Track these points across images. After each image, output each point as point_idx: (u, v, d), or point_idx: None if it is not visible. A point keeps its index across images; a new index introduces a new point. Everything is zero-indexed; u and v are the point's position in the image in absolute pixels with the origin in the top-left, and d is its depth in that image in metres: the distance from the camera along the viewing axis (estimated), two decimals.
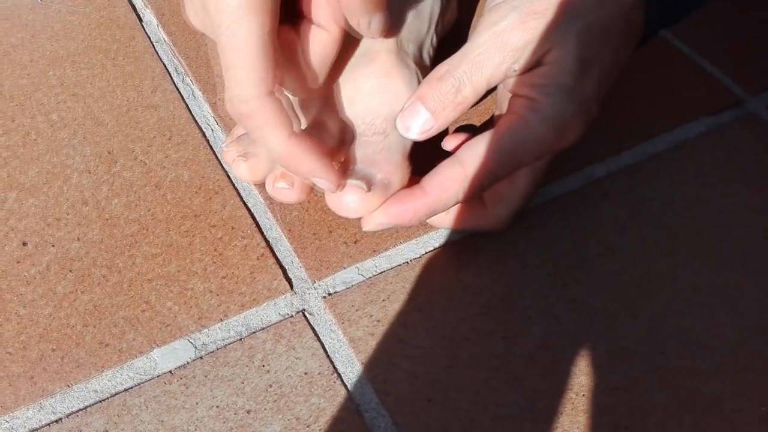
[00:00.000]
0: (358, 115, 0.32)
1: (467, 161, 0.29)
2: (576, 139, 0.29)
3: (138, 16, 0.43)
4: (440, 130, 0.30)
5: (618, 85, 0.42)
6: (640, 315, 0.31)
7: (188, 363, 0.28)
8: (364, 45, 0.32)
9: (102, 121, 0.37)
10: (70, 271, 0.31)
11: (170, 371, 0.28)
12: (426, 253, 0.33)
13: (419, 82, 0.32)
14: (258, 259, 0.32)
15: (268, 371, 0.28)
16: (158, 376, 0.28)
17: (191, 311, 0.30)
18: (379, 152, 0.30)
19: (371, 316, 0.30)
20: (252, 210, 0.34)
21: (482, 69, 0.29)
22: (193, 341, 0.29)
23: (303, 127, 0.32)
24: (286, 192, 0.30)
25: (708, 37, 0.47)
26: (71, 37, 0.42)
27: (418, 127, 0.30)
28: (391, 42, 0.32)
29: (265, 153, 0.31)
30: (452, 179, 0.29)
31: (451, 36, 0.40)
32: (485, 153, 0.29)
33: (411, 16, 0.33)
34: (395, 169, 0.30)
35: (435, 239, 0.34)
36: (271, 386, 0.28)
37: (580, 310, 0.31)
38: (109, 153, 0.36)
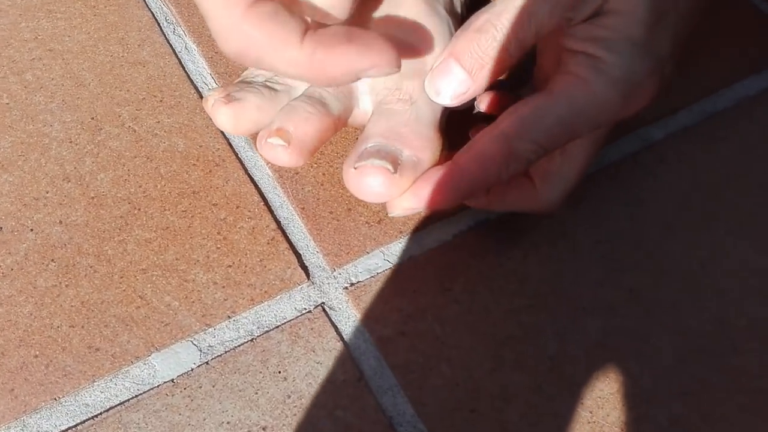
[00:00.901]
0: (378, 79, 0.27)
1: (511, 131, 0.24)
2: (647, 105, 0.25)
3: None
4: (478, 93, 0.25)
5: None
6: (707, 305, 0.27)
7: (192, 369, 0.25)
8: None
9: (83, 81, 0.32)
10: (53, 260, 0.27)
11: (172, 380, 0.24)
12: (461, 233, 0.29)
13: (452, 35, 0.27)
14: (268, 243, 0.28)
15: (285, 378, 0.24)
16: (158, 386, 0.24)
17: (194, 307, 0.26)
18: (406, 124, 0.26)
19: (401, 310, 0.26)
20: (259, 185, 0.30)
21: (530, 18, 0.24)
22: (197, 343, 0.25)
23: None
24: (281, 150, 0.25)
25: None
26: None
27: (452, 89, 0.25)
28: None
29: (252, 98, 0.26)
30: (492, 154, 0.24)
31: None
32: (535, 121, 0.24)
33: None
34: (425, 144, 0.25)
35: (470, 217, 0.29)
36: (289, 397, 0.24)
37: (640, 300, 0.27)
38: (93, 119, 0.31)
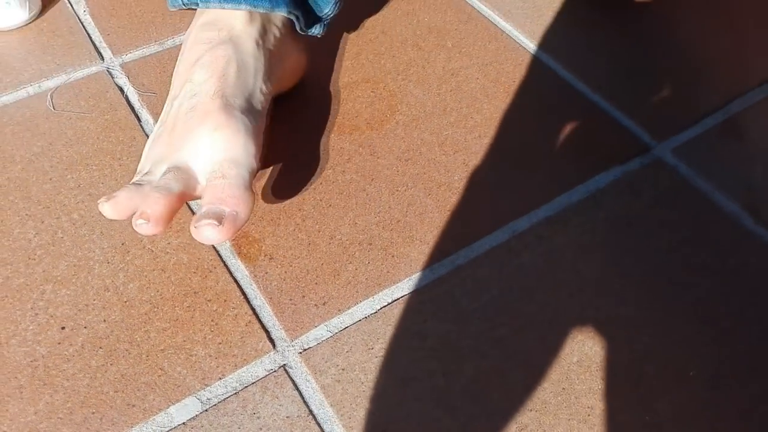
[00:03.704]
0: (205, 164, 0.40)
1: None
2: None
3: (137, 116, 0.52)
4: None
5: (540, 144, 0.50)
6: (551, 347, 0.39)
7: (197, 415, 0.37)
8: (198, 105, 0.41)
9: None
10: (100, 348, 0.39)
11: (183, 423, 0.36)
12: (381, 308, 0.41)
13: (245, 125, 0.41)
14: (246, 325, 0.40)
15: (258, 417, 0.37)
16: (175, 428, 0.36)
17: (196, 373, 0.38)
18: (223, 191, 0.39)
19: (338, 365, 0.39)
20: (240, 283, 0.42)
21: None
22: (199, 398, 0.37)
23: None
24: (144, 226, 0.37)
25: (621, 89, 0.54)
26: (82, 142, 0.50)
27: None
28: (218, 100, 0.41)
29: (123, 195, 0.39)
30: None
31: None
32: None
33: (234, 74, 0.42)
34: (240, 202, 0.39)
35: (388, 295, 0.42)
36: (260, 429, 0.36)
37: (504, 347, 0.39)
38: (123, 244, 0.44)
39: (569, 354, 0.39)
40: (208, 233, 0.38)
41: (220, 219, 0.38)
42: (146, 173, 0.41)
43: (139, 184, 0.40)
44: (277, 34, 0.47)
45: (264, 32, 0.46)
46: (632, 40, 0.59)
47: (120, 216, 0.39)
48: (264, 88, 0.45)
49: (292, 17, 0.46)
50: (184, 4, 0.45)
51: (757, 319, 0.41)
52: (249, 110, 0.43)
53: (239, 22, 0.44)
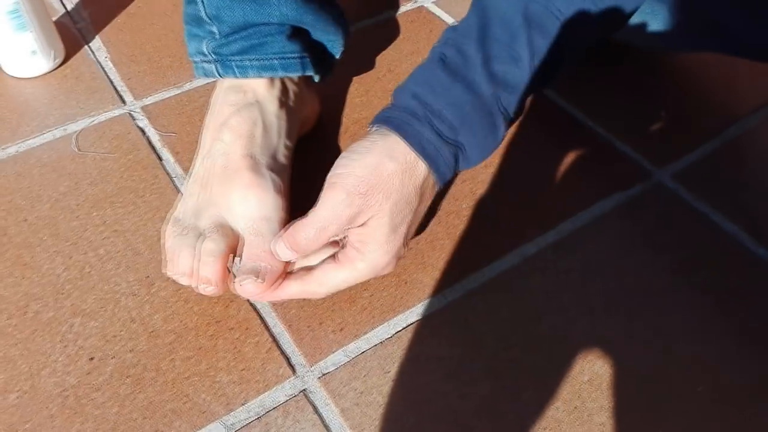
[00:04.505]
0: (239, 222, 0.43)
1: (310, 280, 0.41)
2: (389, 271, 0.41)
3: (158, 155, 0.54)
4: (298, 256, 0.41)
5: (545, 172, 0.52)
6: (562, 368, 0.41)
7: None
8: (229, 164, 0.44)
9: (139, 251, 0.48)
10: (128, 376, 0.41)
11: None
12: (396, 332, 0.43)
13: (273, 183, 0.44)
14: (267, 352, 0.42)
15: None
16: None
17: (220, 399, 0.40)
18: (259, 248, 0.42)
19: (356, 389, 0.40)
20: (260, 312, 0.44)
21: (326, 231, 0.39)
22: (223, 423, 0.39)
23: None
24: (208, 289, 0.41)
25: (622, 119, 0.57)
26: (107, 181, 0.52)
27: (287, 257, 0.41)
28: (248, 160, 0.44)
29: (184, 258, 0.41)
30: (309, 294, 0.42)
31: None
32: (329, 280, 0.40)
33: (260, 135, 0.46)
34: (274, 257, 0.41)
35: (403, 320, 0.43)
36: None
37: (517, 368, 0.41)
38: (147, 277, 0.46)
39: (580, 373, 0.40)
40: (250, 288, 0.40)
41: (259, 274, 0.41)
42: (190, 227, 0.44)
43: (191, 246, 0.42)
44: (296, 90, 0.50)
45: (285, 91, 0.49)
46: (630, 72, 0.62)
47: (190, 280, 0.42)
48: (287, 143, 0.48)
49: (318, 74, 0.49)
50: (206, 76, 0.49)
51: (760, 336, 0.42)
52: (275, 166, 0.46)
53: (262, 86, 0.47)
